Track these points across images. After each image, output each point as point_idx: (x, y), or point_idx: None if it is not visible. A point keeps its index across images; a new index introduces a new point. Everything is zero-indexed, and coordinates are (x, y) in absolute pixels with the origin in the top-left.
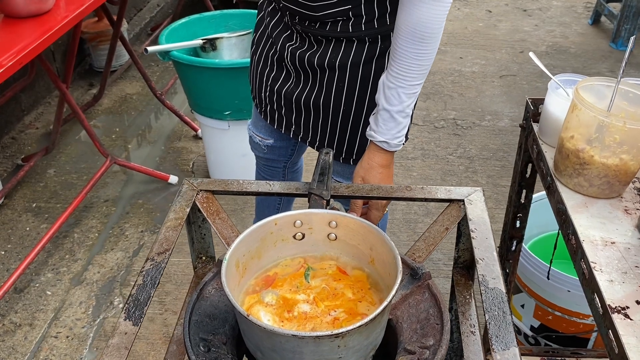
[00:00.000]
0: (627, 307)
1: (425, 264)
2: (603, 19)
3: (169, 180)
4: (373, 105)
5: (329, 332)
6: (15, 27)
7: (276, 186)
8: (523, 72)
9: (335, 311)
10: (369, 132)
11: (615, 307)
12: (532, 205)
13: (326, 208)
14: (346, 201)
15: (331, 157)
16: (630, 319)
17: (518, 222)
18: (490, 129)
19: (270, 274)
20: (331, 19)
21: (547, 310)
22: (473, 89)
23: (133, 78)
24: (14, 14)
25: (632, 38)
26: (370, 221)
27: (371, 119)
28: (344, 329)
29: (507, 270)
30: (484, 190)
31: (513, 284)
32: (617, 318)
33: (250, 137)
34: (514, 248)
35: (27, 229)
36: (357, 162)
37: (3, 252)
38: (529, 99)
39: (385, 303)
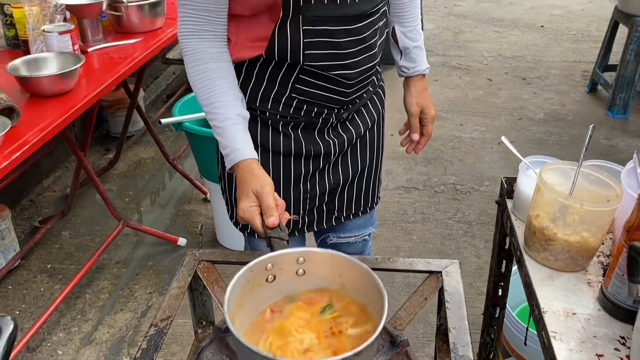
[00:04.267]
0: None
1: (404, 332)
2: (599, 87)
3: (178, 243)
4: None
5: None
6: (40, 105)
7: None
8: (521, 138)
9: None
10: (412, 70)
11: None
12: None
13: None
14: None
15: None
16: None
17: (500, 290)
18: (488, 195)
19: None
20: (365, 75)
21: None
22: (472, 155)
23: (147, 143)
24: (40, 94)
25: (591, 127)
26: (428, 134)
27: (405, 62)
28: None
29: (492, 336)
30: (481, 255)
31: (502, 348)
32: None
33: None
34: (497, 315)
35: (42, 289)
36: (356, 215)
37: (18, 312)
38: (503, 177)
39: (366, 343)
